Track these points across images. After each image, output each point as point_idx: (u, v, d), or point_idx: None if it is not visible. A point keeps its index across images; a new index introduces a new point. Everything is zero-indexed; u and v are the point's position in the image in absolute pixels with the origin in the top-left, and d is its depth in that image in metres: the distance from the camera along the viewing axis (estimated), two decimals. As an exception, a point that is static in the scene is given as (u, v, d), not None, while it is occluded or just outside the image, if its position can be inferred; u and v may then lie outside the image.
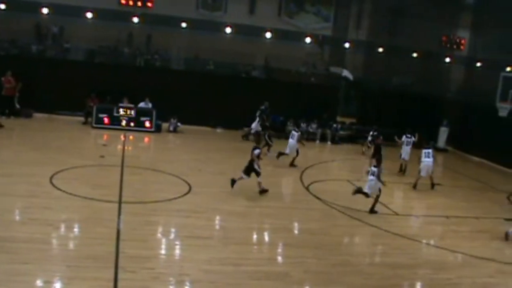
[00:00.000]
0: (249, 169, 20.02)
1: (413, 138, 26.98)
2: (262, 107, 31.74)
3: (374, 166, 19.84)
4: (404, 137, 27.06)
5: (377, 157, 21.09)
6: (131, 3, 35.66)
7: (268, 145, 27.38)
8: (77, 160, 21.85)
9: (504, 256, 16.59)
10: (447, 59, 43.72)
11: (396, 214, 20.02)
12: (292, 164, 25.68)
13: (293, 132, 26.34)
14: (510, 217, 20.98)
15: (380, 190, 19.44)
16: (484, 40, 40.24)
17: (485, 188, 26.35)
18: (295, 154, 25.86)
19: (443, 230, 19.08)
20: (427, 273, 14.74)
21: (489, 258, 16.23)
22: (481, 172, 29.96)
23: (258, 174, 20.07)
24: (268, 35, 39.22)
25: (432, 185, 24.11)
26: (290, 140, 25.97)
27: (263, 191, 20.19)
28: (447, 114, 36.31)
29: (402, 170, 26.77)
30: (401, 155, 26.99)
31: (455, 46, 44.66)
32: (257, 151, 20.51)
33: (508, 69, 37.89)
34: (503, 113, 27.79)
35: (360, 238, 17.49)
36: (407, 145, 26.81)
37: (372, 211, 19.46)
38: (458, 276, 14.69)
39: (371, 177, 19.54)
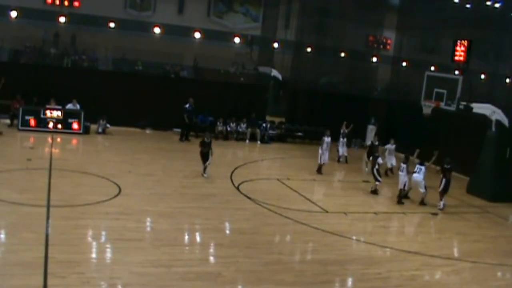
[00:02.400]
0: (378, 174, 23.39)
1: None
2: (186, 106, 31.63)
3: (403, 163, 22.68)
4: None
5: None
6: (57, 2, 34.94)
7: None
8: (3, 164, 21.28)
9: (429, 249, 17.21)
10: (374, 59, 44.61)
11: (326, 211, 20.36)
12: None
13: (325, 138, 26.94)
14: (436, 212, 21.70)
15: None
16: (409, 40, 41.22)
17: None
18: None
19: (372, 226, 19.53)
20: (358, 268, 15.10)
21: (416, 252, 16.80)
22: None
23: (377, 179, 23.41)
24: (197, 35, 39.20)
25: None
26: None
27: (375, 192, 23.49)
28: (374, 112, 37.02)
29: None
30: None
31: (381, 46, 45.72)
32: (380, 160, 23.80)
33: (432, 68, 38.94)
34: (427, 111, 28.50)
35: (290, 236, 17.67)
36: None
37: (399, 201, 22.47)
38: (387, 270, 15.10)
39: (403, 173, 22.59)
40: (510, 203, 24.44)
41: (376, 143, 27.77)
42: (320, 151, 26.54)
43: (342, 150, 29.85)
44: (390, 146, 27.96)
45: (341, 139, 29.64)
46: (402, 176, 22.57)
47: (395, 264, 15.73)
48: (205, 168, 23.31)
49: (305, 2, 40.38)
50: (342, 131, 30.41)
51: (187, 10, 40.21)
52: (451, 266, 16.06)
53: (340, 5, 39.40)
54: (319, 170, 26.72)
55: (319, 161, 26.61)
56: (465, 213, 22.58)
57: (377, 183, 23.34)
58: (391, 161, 28.04)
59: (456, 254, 17.77)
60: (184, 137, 31.58)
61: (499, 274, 16.38)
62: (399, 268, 15.29)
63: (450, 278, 15.20)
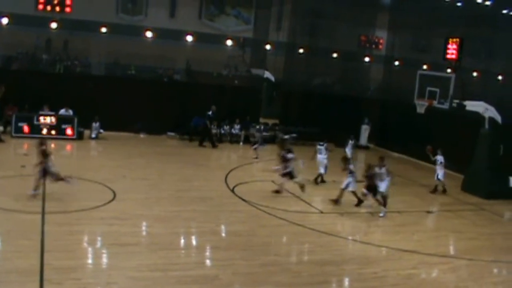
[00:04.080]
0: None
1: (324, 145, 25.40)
2: (209, 112, 31.72)
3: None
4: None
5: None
6: (48, 8, 34.81)
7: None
8: (-3, 171, 21.25)
9: (425, 247, 17.25)
10: (366, 59, 44.64)
11: (321, 212, 20.39)
12: (316, 181, 24.92)
13: (319, 146, 25.09)
14: (432, 210, 21.73)
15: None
16: (401, 39, 41.28)
17: (405, 183, 27.09)
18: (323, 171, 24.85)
19: (367, 225, 19.56)
20: (354, 268, 15.14)
21: (412, 250, 16.84)
22: (402, 168, 30.70)
23: None
24: (189, 38, 39.15)
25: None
26: (319, 156, 24.88)
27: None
28: (368, 112, 37.08)
29: None
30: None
31: (373, 46, 45.72)
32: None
33: (425, 67, 39.00)
34: (420, 109, 28.59)
35: (286, 238, 17.66)
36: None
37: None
38: (383, 269, 15.15)
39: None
40: (504, 200, 24.54)
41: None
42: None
43: (350, 152, 28.85)
44: (439, 157, 24.99)
45: (350, 141, 29.15)
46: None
47: (391, 263, 15.76)
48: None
49: (297, 4, 40.42)
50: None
51: (179, 14, 40.16)
52: (448, 264, 16.11)
53: (332, 5, 39.42)
54: None
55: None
56: (461, 211, 22.64)
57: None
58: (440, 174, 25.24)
59: (452, 252, 17.84)
60: (201, 142, 31.70)
61: (495, 271, 16.41)
62: (396, 267, 15.32)
63: (447, 276, 15.22)
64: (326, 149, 24.98)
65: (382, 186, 20.92)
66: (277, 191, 21.93)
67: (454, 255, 17.24)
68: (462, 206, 23.47)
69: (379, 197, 20.64)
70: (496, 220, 22.21)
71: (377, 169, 21.12)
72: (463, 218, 21.59)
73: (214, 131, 32.85)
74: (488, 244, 18.67)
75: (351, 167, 21.65)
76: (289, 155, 22.18)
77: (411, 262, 15.94)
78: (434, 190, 25.34)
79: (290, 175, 21.96)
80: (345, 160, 22.11)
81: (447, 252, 17.58)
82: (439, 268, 15.72)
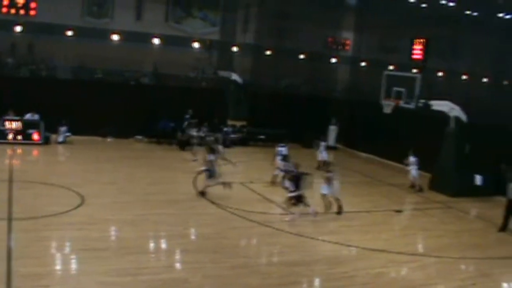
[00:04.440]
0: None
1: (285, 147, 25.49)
2: (187, 116, 31.77)
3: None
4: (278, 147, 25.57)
5: None
6: (12, 11, 34.42)
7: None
8: (-39, 177, 20.93)
9: (394, 246, 17.40)
10: (333, 60, 44.93)
11: (291, 213, 20.40)
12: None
13: (280, 148, 24.98)
14: (400, 209, 21.89)
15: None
16: (367, 41, 41.62)
17: (373, 183, 27.33)
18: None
19: (336, 225, 19.62)
20: (324, 268, 15.24)
21: (381, 250, 16.96)
22: (370, 168, 31.02)
23: None
24: (156, 41, 39.05)
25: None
26: (279, 157, 24.56)
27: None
28: (336, 113, 37.23)
29: None
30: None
31: (340, 47, 46.06)
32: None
33: (391, 67, 39.38)
34: (387, 110, 28.77)
35: (256, 239, 17.70)
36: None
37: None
38: (353, 269, 15.24)
39: None
40: (471, 198, 24.82)
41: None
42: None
43: (326, 154, 29.05)
44: (412, 159, 25.89)
45: (322, 143, 29.19)
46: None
47: (360, 262, 15.86)
48: None
49: (263, 6, 40.57)
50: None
51: (145, 16, 40.04)
52: (416, 262, 16.24)
53: (298, 7, 39.64)
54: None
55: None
56: (428, 209, 22.88)
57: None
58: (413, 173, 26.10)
59: (420, 250, 18.01)
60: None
61: (462, 267, 16.64)
62: (365, 266, 15.42)
63: (416, 274, 15.37)
64: (287, 150, 24.95)
65: (334, 190, 20.77)
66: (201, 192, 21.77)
67: (422, 253, 17.39)
68: (430, 204, 23.71)
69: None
70: (462, 218, 22.50)
71: (326, 174, 21.00)
72: (430, 216, 21.82)
73: (194, 133, 32.48)
74: (455, 241, 18.88)
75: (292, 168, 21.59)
76: (209, 157, 22.18)
77: (380, 261, 16.05)
78: (419, 188, 25.78)
79: (209, 175, 21.83)
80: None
81: (415, 250, 17.75)
82: (408, 266, 15.85)
